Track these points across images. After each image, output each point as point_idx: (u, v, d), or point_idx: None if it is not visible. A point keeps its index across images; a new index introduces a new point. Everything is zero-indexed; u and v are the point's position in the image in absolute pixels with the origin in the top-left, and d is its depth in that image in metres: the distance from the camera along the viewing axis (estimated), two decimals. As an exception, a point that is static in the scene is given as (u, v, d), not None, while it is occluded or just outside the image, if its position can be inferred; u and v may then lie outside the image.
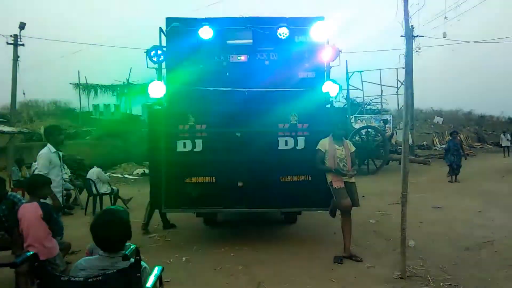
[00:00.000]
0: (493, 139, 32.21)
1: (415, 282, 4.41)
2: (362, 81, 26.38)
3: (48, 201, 4.36)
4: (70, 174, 10.29)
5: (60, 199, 5.38)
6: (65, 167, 6.70)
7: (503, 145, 23.81)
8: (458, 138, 15.22)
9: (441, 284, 4.35)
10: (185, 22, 5.89)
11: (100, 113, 26.67)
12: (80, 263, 2.18)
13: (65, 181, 6.91)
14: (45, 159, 5.15)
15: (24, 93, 19.18)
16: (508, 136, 23.72)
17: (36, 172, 5.37)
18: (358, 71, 25.87)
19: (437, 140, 30.61)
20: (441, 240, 6.10)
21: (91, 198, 9.31)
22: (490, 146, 30.91)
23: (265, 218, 7.64)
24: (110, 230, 2.19)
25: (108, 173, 14.50)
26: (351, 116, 23.36)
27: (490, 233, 6.17)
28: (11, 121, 18.76)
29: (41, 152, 5.26)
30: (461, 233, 6.50)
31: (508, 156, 22.34)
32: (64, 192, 5.69)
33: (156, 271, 2.40)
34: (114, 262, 2.14)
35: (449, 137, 15.40)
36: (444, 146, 20.46)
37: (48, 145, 5.28)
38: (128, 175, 17.36)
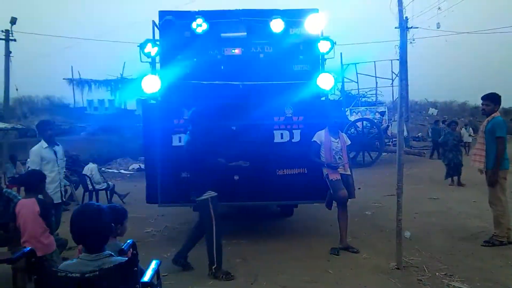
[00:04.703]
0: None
1: (411, 272, 4.45)
2: (357, 73, 26.34)
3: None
4: (65, 170, 10.24)
5: (58, 194, 5.38)
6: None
7: (464, 140, 18.76)
8: (458, 129, 12.08)
9: (436, 274, 4.39)
10: (179, 15, 5.84)
11: (94, 108, 26.53)
12: (61, 268, 2.07)
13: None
14: (35, 155, 5.17)
15: (17, 89, 19.06)
16: (471, 131, 20.20)
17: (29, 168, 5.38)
18: (353, 63, 25.84)
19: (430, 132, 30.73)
20: (437, 231, 6.15)
21: (87, 194, 9.31)
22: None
23: (261, 211, 7.66)
24: (86, 223, 2.10)
25: (103, 168, 14.47)
26: (346, 109, 23.38)
27: (485, 223, 6.22)
28: (4, 117, 18.62)
29: (32, 148, 5.27)
30: (456, 223, 6.55)
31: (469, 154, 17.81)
32: (63, 188, 5.67)
33: (153, 265, 2.40)
34: (98, 266, 2.02)
35: (447, 127, 12.21)
36: (437, 138, 18.52)
37: (42, 140, 5.28)
38: (124, 170, 17.31)
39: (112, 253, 2.12)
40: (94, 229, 2.10)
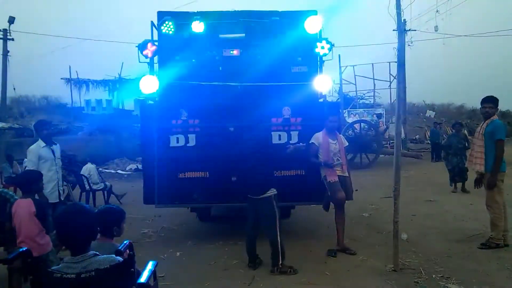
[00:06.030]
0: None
1: (407, 275, 4.45)
2: (355, 75, 26.39)
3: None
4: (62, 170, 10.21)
5: (56, 194, 5.37)
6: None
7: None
8: (463, 131, 10.50)
9: (433, 276, 4.40)
10: (177, 16, 5.84)
11: (92, 108, 26.45)
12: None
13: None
14: (33, 154, 5.18)
15: (14, 89, 19.04)
16: (466, 133, 19.73)
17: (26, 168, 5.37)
18: (351, 65, 25.90)
19: (429, 134, 30.80)
20: (434, 233, 6.16)
21: (84, 194, 9.28)
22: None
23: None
24: (72, 224, 2.07)
25: (101, 169, 14.42)
26: (344, 110, 23.41)
27: (481, 226, 6.23)
28: (1, 116, 18.57)
29: (30, 147, 5.28)
30: (453, 226, 6.57)
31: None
32: (61, 187, 5.66)
33: (150, 266, 2.40)
34: (83, 267, 2.00)
35: (451, 130, 11.73)
36: (436, 140, 18.07)
37: (39, 140, 5.29)
38: (121, 170, 17.26)
39: (98, 253, 2.10)
40: (77, 230, 2.08)
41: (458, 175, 9.64)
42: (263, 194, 4.70)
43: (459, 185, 9.81)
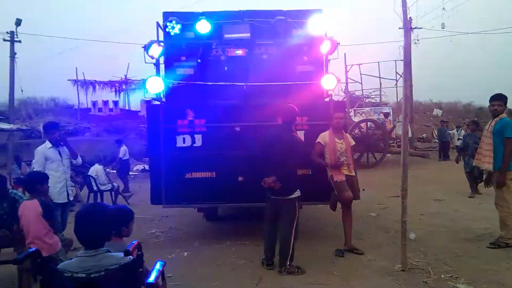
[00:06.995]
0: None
1: (416, 274, 4.43)
2: (361, 74, 26.34)
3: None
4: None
5: (65, 194, 5.42)
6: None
7: (457, 145, 15.57)
8: (479, 131, 8.67)
9: (442, 276, 4.37)
10: (182, 16, 5.86)
11: (99, 109, 26.61)
12: (62, 268, 2.10)
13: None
14: (40, 155, 5.25)
15: (22, 90, 19.19)
16: (463, 133, 15.79)
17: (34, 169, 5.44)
18: (357, 64, 25.81)
19: (436, 133, 30.56)
20: (442, 232, 6.11)
21: (91, 194, 9.34)
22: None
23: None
24: (89, 222, 2.14)
25: (108, 169, 14.49)
26: (350, 109, 23.32)
27: (490, 225, 6.18)
28: (9, 118, 18.73)
29: (37, 148, 5.36)
30: (461, 225, 6.52)
31: (461, 161, 10.10)
32: (69, 187, 5.71)
33: (158, 266, 2.40)
34: (98, 261, 2.06)
35: (466, 129, 10.70)
36: (443, 139, 18.55)
37: (47, 141, 5.36)
38: (128, 171, 17.33)
39: (109, 249, 2.14)
40: (98, 229, 2.14)
41: (479, 178, 8.51)
42: (290, 195, 4.65)
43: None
